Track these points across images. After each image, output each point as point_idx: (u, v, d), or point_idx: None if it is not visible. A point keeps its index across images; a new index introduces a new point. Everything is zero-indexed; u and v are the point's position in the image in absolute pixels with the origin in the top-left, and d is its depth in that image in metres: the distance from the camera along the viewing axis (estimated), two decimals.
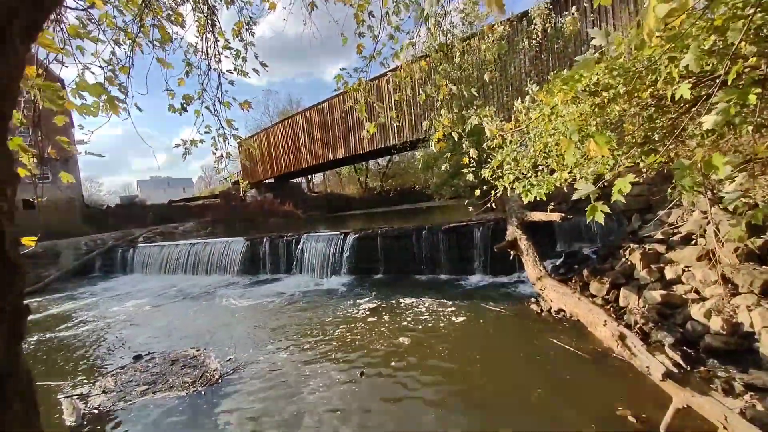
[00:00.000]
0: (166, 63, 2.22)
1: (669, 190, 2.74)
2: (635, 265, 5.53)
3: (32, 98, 1.52)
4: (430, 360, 4.65)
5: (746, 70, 1.72)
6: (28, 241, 1.60)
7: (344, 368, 4.65)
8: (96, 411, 4.12)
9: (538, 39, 10.35)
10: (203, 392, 4.33)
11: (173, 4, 2.22)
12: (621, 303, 5.25)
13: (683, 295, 4.68)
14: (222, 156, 2.69)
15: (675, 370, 3.60)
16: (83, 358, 5.92)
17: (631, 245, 5.90)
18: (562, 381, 3.88)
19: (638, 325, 4.55)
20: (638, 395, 3.44)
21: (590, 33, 1.58)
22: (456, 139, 3.16)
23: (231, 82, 2.56)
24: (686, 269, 4.94)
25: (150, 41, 2.19)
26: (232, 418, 3.80)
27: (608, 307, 5.33)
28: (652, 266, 5.31)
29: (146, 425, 3.80)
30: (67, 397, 4.46)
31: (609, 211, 1.76)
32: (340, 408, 3.79)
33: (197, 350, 5.64)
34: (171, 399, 4.23)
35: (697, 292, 4.65)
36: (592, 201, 1.74)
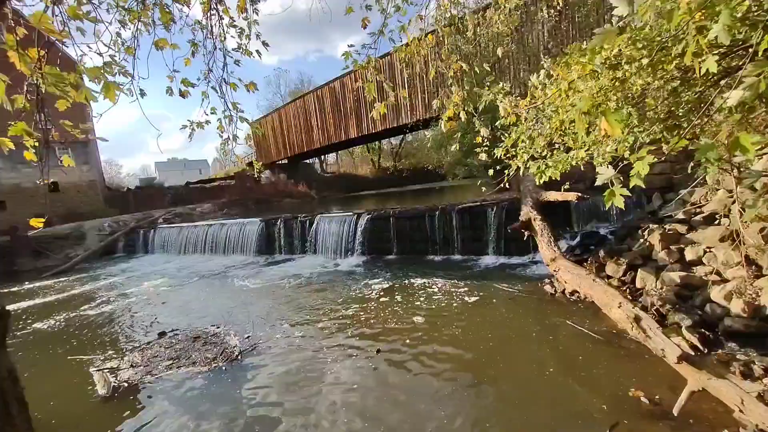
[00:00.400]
0: (168, 43, 2.19)
1: (691, 166, 2.59)
2: (654, 245, 5.37)
3: (35, 82, 1.52)
4: (444, 338, 4.72)
5: None
6: (37, 223, 1.65)
7: (360, 346, 4.76)
8: (125, 384, 4.36)
9: (558, 7, 9.80)
10: (224, 368, 4.51)
11: None
12: (638, 284, 5.14)
13: (703, 277, 4.55)
14: (228, 138, 2.68)
15: (691, 352, 3.54)
16: (111, 334, 6.23)
17: (651, 225, 5.72)
18: (575, 361, 3.88)
19: (655, 307, 4.47)
20: (652, 377, 3.42)
21: (612, 1, 1.46)
22: (468, 118, 3.05)
23: (237, 62, 2.51)
24: (708, 250, 4.78)
25: (153, 21, 2.15)
26: (252, 392, 3.96)
27: (624, 288, 5.24)
28: (672, 247, 5.15)
29: (172, 398, 4.00)
30: (98, 370, 4.72)
31: (629, 194, 1.68)
32: (357, 385, 3.90)
33: (217, 328, 5.85)
34: (194, 374, 4.43)
35: (718, 273, 4.50)
36: (611, 186, 1.66)
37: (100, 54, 1.85)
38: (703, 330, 3.96)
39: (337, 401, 3.65)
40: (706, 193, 5.46)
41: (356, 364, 4.31)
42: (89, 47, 1.83)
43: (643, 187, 1.77)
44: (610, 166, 1.76)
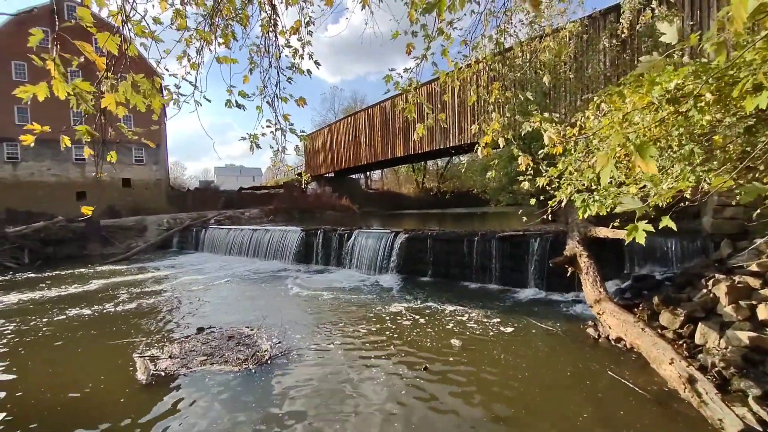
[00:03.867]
0: (229, 59, 2.39)
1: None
2: (719, 298, 4.79)
3: (102, 91, 1.73)
4: (478, 368, 4.60)
5: None
6: (87, 210, 1.88)
7: (391, 365, 4.70)
8: (162, 373, 4.60)
9: (622, 36, 9.37)
10: (253, 370, 4.62)
11: (241, 4, 2.39)
12: (697, 340, 4.59)
13: None
14: (279, 150, 2.83)
15: (758, 428, 3.07)
16: (154, 324, 6.66)
17: (717, 275, 5.13)
18: (613, 415, 3.51)
19: (716, 369, 3.95)
20: None
21: (660, 27, 1.36)
22: (509, 145, 2.97)
23: (289, 80, 2.68)
24: None
25: (216, 37, 2.36)
26: (279, 399, 4.00)
27: (681, 342, 4.70)
28: (741, 302, 4.56)
29: (203, 393, 4.14)
30: (140, 356, 5.03)
31: (652, 230, 1.53)
32: (389, 403, 3.82)
33: (251, 329, 6.03)
34: (225, 372, 4.58)
35: None
36: (635, 219, 1.52)
37: (161, 72, 2.07)
38: None
39: (365, 418, 3.58)
40: None
41: (387, 382, 4.24)
42: (160, 65, 2.06)
43: (675, 229, 1.60)
44: (636, 197, 1.61)
